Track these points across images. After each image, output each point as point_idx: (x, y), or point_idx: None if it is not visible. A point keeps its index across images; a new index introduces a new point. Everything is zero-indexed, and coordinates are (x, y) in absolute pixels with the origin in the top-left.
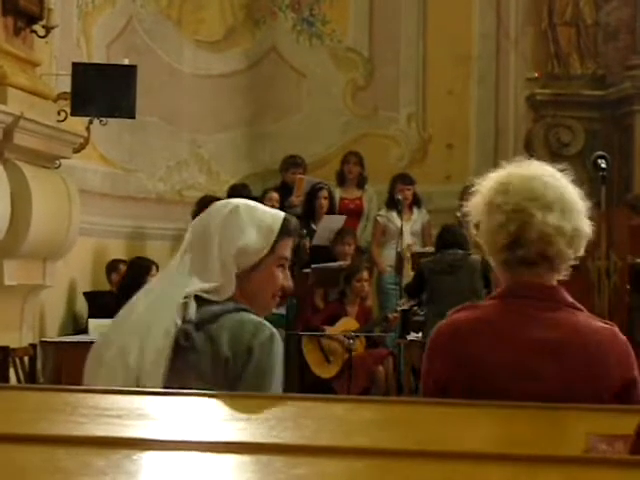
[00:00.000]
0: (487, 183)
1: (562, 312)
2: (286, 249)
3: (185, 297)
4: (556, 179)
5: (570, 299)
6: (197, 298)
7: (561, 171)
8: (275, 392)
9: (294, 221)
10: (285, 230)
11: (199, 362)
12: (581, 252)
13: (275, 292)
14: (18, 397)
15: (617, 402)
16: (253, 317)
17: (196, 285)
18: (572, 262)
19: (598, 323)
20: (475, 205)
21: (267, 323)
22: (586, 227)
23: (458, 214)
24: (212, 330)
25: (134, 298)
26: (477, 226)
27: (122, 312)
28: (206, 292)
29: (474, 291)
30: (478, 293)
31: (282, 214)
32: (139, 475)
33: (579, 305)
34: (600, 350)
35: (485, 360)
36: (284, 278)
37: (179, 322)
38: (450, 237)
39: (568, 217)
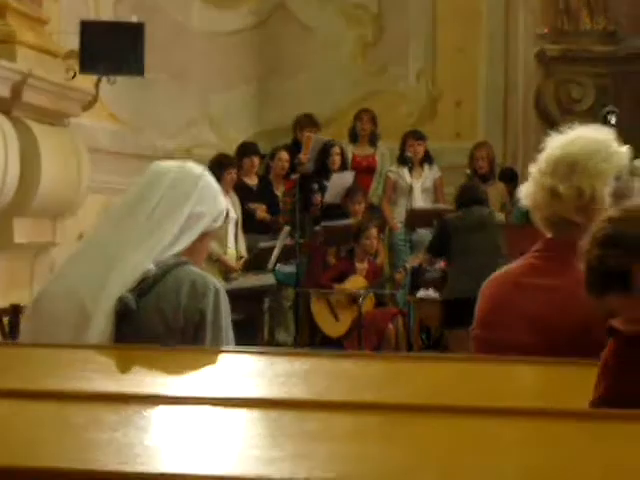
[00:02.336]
0: None
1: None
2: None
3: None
4: (578, 140)
5: None
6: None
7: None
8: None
9: None
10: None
11: (146, 328)
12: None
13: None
14: (28, 354)
15: None
16: (197, 271)
17: (160, 245)
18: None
19: None
20: None
21: (209, 276)
22: (600, 190)
23: (468, 171)
24: (160, 291)
25: (81, 246)
26: None
27: (67, 264)
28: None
29: (498, 248)
30: (501, 251)
31: None
32: (150, 430)
33: None
34: None
35: (486, 312)
36: None
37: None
38: (472, 194)
39: (573, 179)
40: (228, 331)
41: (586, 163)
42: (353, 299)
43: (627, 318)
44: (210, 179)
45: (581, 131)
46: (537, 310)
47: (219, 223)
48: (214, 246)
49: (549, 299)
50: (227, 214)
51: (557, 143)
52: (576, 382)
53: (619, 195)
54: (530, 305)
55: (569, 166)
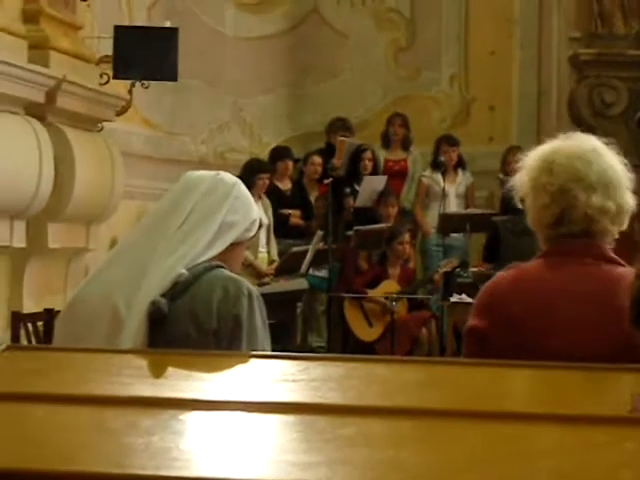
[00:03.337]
0: (532, 160)
1: (600, 266)
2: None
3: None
4: (600, 155)
5: (610, 255)
6: None
7: (606, 144)
8: (263, 348)
9: None
10: None
11: (179, 332)
12: (625, 226)
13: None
14: (64, 358)
15: None
16: (229, 275)
17: (192, 252)
18: (616, 235)
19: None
20: (520, 181)
21: (242, 280)
22: (630, 202)
23: (500, 176)
24: (193, 295)
25: (115, 251)
26: (522, 200)
27: (101, 269)
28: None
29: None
30: None
31: None
32: (186, 434)
33: (621, 261)
34: None
35: (518, 315)
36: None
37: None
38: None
39: (612, 195)
40: (265, 334)
41: (613, 178)
42: (386, 304)
43: None
44: (243, 189)
45: (585, 141)
46: (591, 317)
47: (252, 233)
48: (246, 251)
49: (601, 305)
50: (260, 224)
51: (572, 157)
52: (621, 389)
53: None
54: (582, 313)
55: (605, 183)
